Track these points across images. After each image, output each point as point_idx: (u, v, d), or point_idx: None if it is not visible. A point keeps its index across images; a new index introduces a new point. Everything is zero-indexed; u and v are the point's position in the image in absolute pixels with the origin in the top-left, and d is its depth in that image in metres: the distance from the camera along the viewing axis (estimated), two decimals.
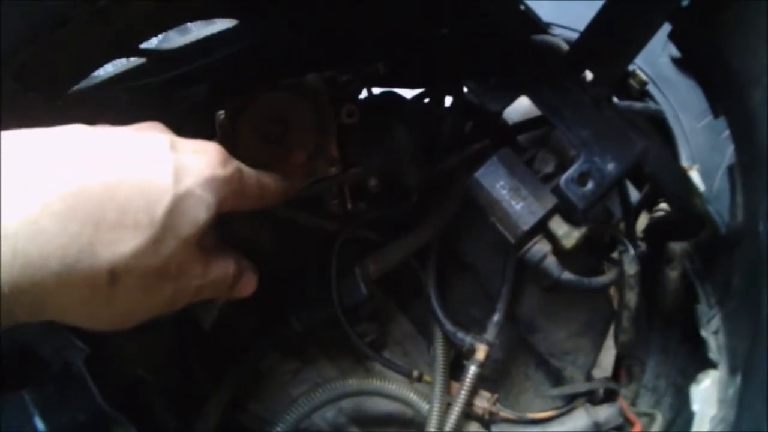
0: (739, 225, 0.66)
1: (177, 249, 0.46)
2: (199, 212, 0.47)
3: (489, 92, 0.64)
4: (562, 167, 0.65)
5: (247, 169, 0.54)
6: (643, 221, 0.89)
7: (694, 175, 0.85)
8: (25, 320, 0.42)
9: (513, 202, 0.62)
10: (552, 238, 0.64)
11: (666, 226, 0.81)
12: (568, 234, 0.63)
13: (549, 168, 0.65)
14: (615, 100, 0.92)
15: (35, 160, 0.41)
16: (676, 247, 0.82)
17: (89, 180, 0.42)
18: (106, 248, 0.42)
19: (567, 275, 0.65)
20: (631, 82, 0.97)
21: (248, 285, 0.59)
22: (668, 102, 0.97)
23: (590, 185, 0.60)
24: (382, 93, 0.84)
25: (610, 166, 0.60)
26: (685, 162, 0.90)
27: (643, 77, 0.96)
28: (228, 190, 0.50)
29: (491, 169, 0.63)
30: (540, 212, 0.62)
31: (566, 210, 0.63)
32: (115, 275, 0.43)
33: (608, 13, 0.62)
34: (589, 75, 0.69)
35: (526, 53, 0.69)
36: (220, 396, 0.87)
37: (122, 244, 0.42)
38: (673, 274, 0.83)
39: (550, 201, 0.62)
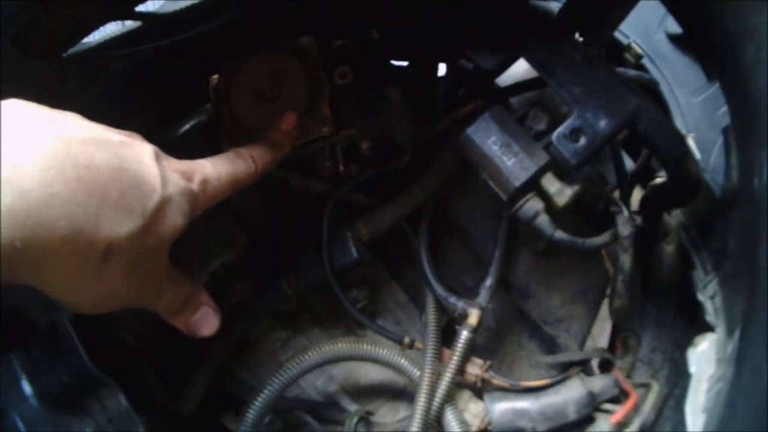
0: (734, 185, 0.69)
1: (156, 245, 0.53)
2: (177, 217, 0.54)
3: (482, 51, 0.67)
4: (554, 125, 0.68)
5: (216, 172, 0.60)
6: (637, 197, 0.93)
7: (690, 143, 0.88)
8: (20, 281, 0.46)
9: (505, 158, 0.65)
10: (544, 195, 0.67)
11: (661, 195, 0.84)
12: (560, 191, 0.66)
13: (541, 126, 0.68)
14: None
15: (51, 134, 0.46)
16: (672, 220, 0.86)
17: (98, 159, 0.47)
18: (107, 225, 0.47)
19: (560, 234, 0.68)
20: (627, 55, 1.00)
21: (207, 322, 0.66)
22: (663, 77, 1.00)
23: (583, 141, 0.63)
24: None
25: (603, 123, 0.63)
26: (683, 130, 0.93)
27: (639, 50, 0.99)
28: (198, 202, 0.57)
29: (483, 125, 0.66)
30: (532, 168, 0.65)
31: (559, 167, 0.66)
32: (108, 252, 0.48)
33: None
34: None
35: (520, 15, 0.72)
36: (209, 363, 0.91)
37: (119, 225, 0.48)
38: (668, 248, 0.87)
39: (543, 157, 0.65)
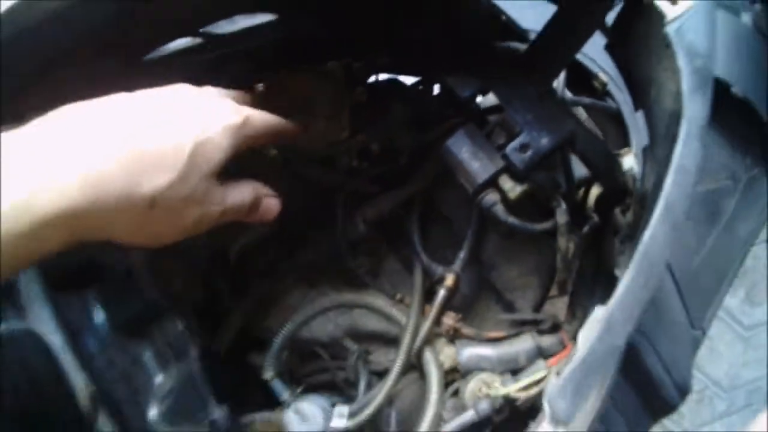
0: (644, 189, 0.98)
1: (199, 182, 0.64)
2: (216, 154, 0.65)
3: (460, 82, 0.96)
4: (510, 140, 0.96)
5: (257, 116, 0.73)
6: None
7: (630, 158, 1.17)
8: (87, 237, 0.59)
9: (472, 163, 0.94)
10: (501, 190, 0.96)
11: (602, 198, 1.13)
12: (512, 188, 0.95)
13: (501, 140, 0.96)
14: (577, 97, 1.25)
15: (104, 118, 0.61)
16: (622, 218, 1.14)
17: (139, 134, 0.61)
18: (148, 182, 0.60)
19: (512, 219, 0.97)
20: (595, 83, 1.29)
21: (270, 209, 0.78)
22: (626, 98, 1.29)
23: (529, 153, 0.91)
24: (387, 79, 1.18)
25: (545, 140, 0.92)
26: (634, 149, 1.22)
27: (604, 79, 1.28)
28: (241, 135, 0.69)
29: (458, 138, 0.95)
30: (492, 170, 0.93)
31: (512, 171, 0.95)
32: (153, 201, 0.60)
33: (546, 34, 0.95)
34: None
35: (492, 54, 1.02)
36: (241, 311, 1.20)
37: (158, 179, 0.60)
38: (618, 240, 1.16)
39: (500, 163, 0.94)
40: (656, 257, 0.59)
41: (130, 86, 0.67)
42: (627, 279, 0.58)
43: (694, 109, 0.64)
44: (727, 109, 1.25)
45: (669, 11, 0.70)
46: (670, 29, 0.69)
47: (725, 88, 1.22)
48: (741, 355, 2.39)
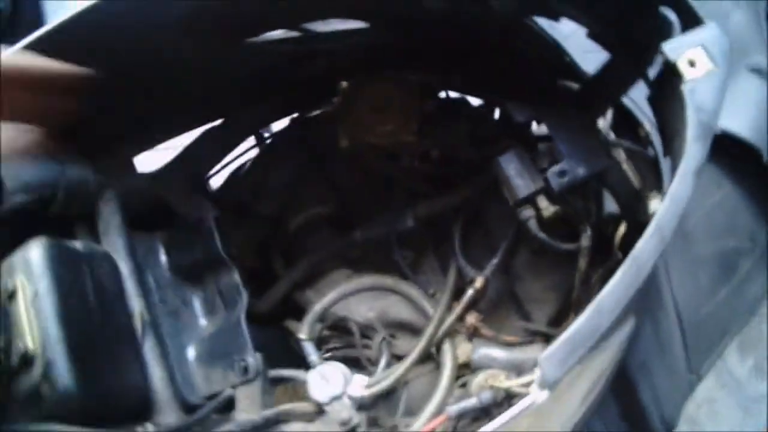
0: None
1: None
2: None
3: (518, 109, 1.11)
4: (553, 165, 1.10)
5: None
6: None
7: (656, 202, 1.29)
8: None
9: (517, 179, 1.08)
10: (537, 208, 1.10)
11: (631, 234, 1.26)
12: (547, 207, 1.09)
13: (545, 164, 1.10)
14: (619, 139, 1.38)
15: None
16: None
17: None
18: None
19: (542, 235, 1.11)
20: (639, 130, 1.42)
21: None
22: None
23: (566, 178, 1.05)
24: (456, 97, 1.33)
25: (581, 170, 1.06)
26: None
27: (647, 128, 1.41)
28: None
29: (508, 156, 1.10)
30: (532, 188, 1.08)
31: (549, 192, 1.09)
32: None
33: (597, 77, 1.10)
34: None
35: (551, 89, 1.17)
36: (289, 278, 1.35)
37: None
38: None
39: (540, 183, 1.08)
40: (644, 261, 0.73)
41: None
42: (618, 275, 0.72)
43: (694, 152, 0.77)
44: (756, 174, 1.37)
45: (687, 73, 0.83)
46: (685, 88, 0.82)
47: (758, 156, 1.35)
48: (739, 423, 2.44)
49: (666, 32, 0.90)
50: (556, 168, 1.06)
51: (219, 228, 1.16)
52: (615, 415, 1.31)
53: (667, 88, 0.93)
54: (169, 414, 0.99)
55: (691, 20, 0.87)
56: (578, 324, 0.70)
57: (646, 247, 0.73)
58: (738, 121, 1.33)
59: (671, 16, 0.90)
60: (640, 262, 0.73)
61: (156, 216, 1.17)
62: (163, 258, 1.14)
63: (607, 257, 1.23)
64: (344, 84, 1.24)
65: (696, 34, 0.84)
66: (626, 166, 1.39)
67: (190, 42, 0.96)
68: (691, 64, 0.83)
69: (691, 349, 1.36)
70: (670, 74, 0.86)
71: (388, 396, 1.22)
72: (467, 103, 1.32)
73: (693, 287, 1.35)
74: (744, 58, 1.43)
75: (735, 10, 1.45)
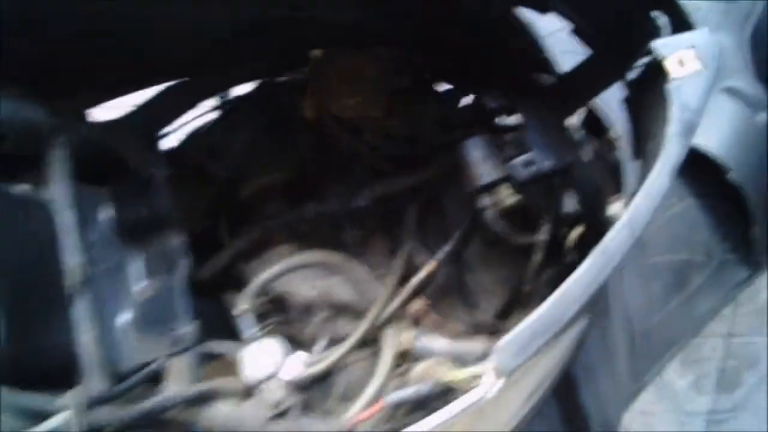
0: None
1: None
2: None
3: (491, 96, 1.08)
4: (520, 155, 1.07)
5: None
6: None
7: (617, 206, 1.28)
8: None
9: (481, 165, 1.05)
10: (498, 196, 1.07)
11: (588, 235, 1.24)
12: (508, 197, 1.06)
13: (511, 153, 1.07)
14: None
15: None
16: None
17: None
18: None
19: (499, 224, 1.09)
20: (608, 135, 1.41)
21: None
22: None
23: (531, 169, 1.03)
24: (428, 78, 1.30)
25: (548, 162, 1.04)
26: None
27: (615, 136, 1.40)
28: None
29: (475, 141, 1.07)
30: (495, 176, 1.05)
31: (512, 182, 1.06)
32: None
33: (575, 73, 1.07)
34: None
35: (526, 81, 1.14)
36: (234, 247, 1.29)
37: None
38: None
39: (504, 172, 1.05)
40: (613, 253, 0.70)
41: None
42: (583, 267, 0.69)
43: (673, 149, 0.76)
44: (720, 191, 1.37)
45: (675, 71, 0.82)
46: (671, 85, 0.80)
47: (723, 172, 1.35)
48: None
49: (655, 35, 0.89)
50: (522, 158, 1.03)
51: (169, 187, 1.13)
52: (556, 417, 1.30)
53: (649, 88, 0.91)
54: (96, 381, 0.93)
55: (683, 25, 0.86)
56: (540, 312, 0.68)
57: (615, 239, 0.71)
58: (707, 137, 1.34)
59: (662, 19, 0.89)
60: (609, 254, 0.71)
61: (106, 169, 1.12)
62: (107, 213, 1.08)
63: (558, 257, 1.22)
64: (316, 52, 1.20)
65: (688, 36, 0.84)
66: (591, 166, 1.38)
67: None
68: (680, 63, 0.82)
69: (637, 357, 1.35)
70: (656, 72, 0.84)
71: (324, 379, 1.20)
72: (438, 85, 1.28)
73: (645, 295, 1.35)
74: (722, 80, 1.44)
75: (719, 32, 1.45)
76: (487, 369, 1.09)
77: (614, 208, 1.27)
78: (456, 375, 1.09)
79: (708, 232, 1.39)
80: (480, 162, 1.06)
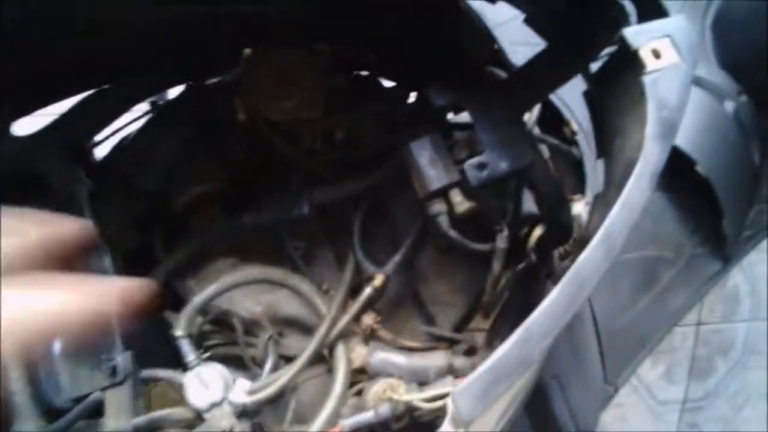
0: (588, 235, 1.02)
1: None
2: None
3: (437, 92, 0.99)
4: (471, 157, 0.98)
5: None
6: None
7: (580, 205, 1.20)
8: None
9: (429, 170, 0.96)
10: (449, 202, 0.98)
11: (545, 236, 1.16)
12: (461, 203, 0.97)
13: (463, 155, 0.99)
14: (545, 135, 1.28)
15: None
16: (559, 262, 1.18)
17: None
18: None
19: (453, 233, 0.99)
20: (565, 129, 1.33)
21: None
22: (591, 151, 1.33)
23: (485, 172, 0.94)
24: (368, 75, 1.20)
25: (503, 164, 0.94)
26: (587, 198, 1.25)
27: (574, 127, 1.32)
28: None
29: (422, 143, 0.97)
30: (445, 180, 0.95)
31: (464, 187, 0.97)
32: None
33: (530, 66, 0.98)
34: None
35: (475, 75, 1.05)
36: (168, 264, 1.19)
37: None
38: (550, 282, 1.19)
39: (455, 176, 0.96)
40: (586, 279, 0.62)
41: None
42: (553, 294, 0.61)
43: (652, 153, 0.67)
44: (687, 184, 1.31)
45: (650, 63, 0.73)
46: (647, 79, 0.72)
47: (690, 165, 1.28)
48: (649, 427, 2.45)
49: (620, 22, 0.80)
50: (475, 160, 0.94)
51: (94, 203, 1.05)
52: (527, 429, 1.23)
53: (616, 80, 0.83)
54: (27, 420, 0.86)
55: (652, 12, 0.78)
56: (502, 352, 0.59)
57: (591, 258, 0.63)
58: None
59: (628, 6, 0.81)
60: (583, 278, 0.62)
61: (26, 187, 1.04)
62: None
63: (518, 258, 1.14)
64: (248, 51, 1.10)
65: (661, 24, 0.75)
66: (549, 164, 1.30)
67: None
68: (656, 54, 0.73)
69: (607, 360, 1.29)
70: (625, 64, 0.76)
71: (275, 401, 1.11)
72: (380, 82, 1.18)
73: (612, 296, 1.28)
74: None
75: None
76: (447, 391, 1.04)
77: (577, 207, 1.20)
78: (415, 396, 1.03)
79: (676, 227, 1.32)
80: (428, 165, 0.96)
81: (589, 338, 1.24)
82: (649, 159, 0.67)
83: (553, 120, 1.33)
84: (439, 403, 1.01)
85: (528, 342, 0.60)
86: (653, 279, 1.32)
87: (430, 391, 1.04)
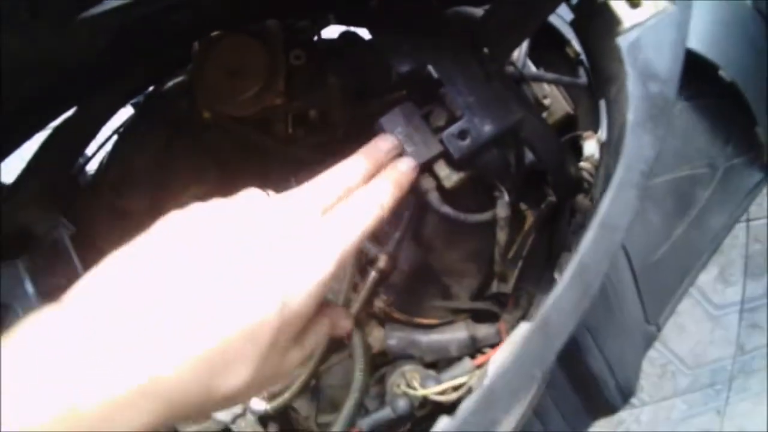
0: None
1: (278, 358, 0.56)
2: (298, 323, 0.57)
3: (398, 57, 0.88)
4: (452, 123, 0.89)
5: (348, 246, 0.64)
6: None
7: (592, 143, 1.10)
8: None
9: (406, 146, 0.86)
10: (436, 177, 0.89)
11: (557, 190, 1.06)
12: (448, 176, 0.87)
13: (441, 122, 0.89)
14: (540, 72, 1.16)
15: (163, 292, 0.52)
16: (585, 201, 1.08)
17: (212, 313, 0.51)
18: (224, 382, 0.51)
19: (446, 209, 0.91)
20: (568, 50, 1.21)
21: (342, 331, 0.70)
22: None
23: (467, 140, 0.84)
24: (341, 34, 1.09)
25: (487, 128, 0.84)
26: (602, 132, 1.14)
27: (577, 48, 1.19)
28: (329, 284, 0.59)
29: (392, 117, 0.86)
30: (425, 156, 0.85)
31: (449, 158, 0.88)
32: (228, 398, 0.53)
33: (503, 3, 0.87)
34: None
35: (440, 20, 0.93)
36: None
37: (235, 377, 0.52)
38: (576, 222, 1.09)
39: (436, 148, 0.86)
40: (593, 271, 0.52)
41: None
42: (557, 293, 0.52)
43: (636, 149, 0.55)
44: (712, 92, 1.18)
45: (626, 17, 0.61)
46: (623, 42, 0.60)
47: (713, 70, 1.14)
48: (708, 334, 2.36)
49: None
50: (454, 128, 0.84)
51: (86, 230, 1.05)
52: (565, 388, 1.16)
53: (596, 28, 0.71)
54: None
55: None
56: (496, 375, 0.52)
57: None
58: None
59: None
60: (589, 277, 0.52)
61: (17, 240, 1.03)
62: (29, 288, 0.99)
63: (540, 200, 1.07)
64: (196, 44, 1.01)
65: None
66: (555, 92, 1.19)
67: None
68: (633, 4, 0.59)
69: (646, 299, 1.20)
70: (594, 17, 0.63)
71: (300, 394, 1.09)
72: (337, 51, 1.07)
73: (643, 230, 1.18)
74: None
75: None
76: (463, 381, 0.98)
77: (589, 147, 1.10)
78: (430, 390, 0.97)
79: (707, 140, 1.20)
80: (404, 141, 0.86)
81: (625, 280, 1.15)
82: (632, 160, 0.55)
83: (552, 44, 1.20)
84: (454, 395, 0.95)
85: (529, 357, 0.56)
86: (688, 201, 1.20)
87: (444, 384, 0.97)
